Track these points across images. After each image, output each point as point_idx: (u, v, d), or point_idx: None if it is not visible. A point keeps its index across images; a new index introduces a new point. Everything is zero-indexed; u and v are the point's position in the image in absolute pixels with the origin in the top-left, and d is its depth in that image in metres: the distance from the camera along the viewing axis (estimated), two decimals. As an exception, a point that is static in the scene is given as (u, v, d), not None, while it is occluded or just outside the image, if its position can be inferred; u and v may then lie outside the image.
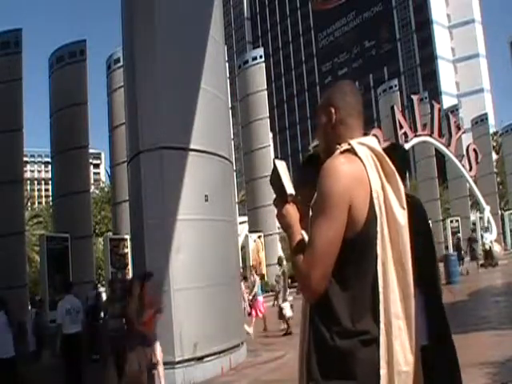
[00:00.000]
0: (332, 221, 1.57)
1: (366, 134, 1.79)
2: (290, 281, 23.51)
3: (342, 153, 1.68)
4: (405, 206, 1.68)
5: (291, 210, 1.72)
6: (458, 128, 31.29)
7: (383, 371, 1.56)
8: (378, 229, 1.62)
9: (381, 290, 1.60)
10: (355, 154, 1.66)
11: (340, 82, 1.91)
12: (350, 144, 1.69)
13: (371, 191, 1.62)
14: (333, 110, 1.77)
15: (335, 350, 1.56)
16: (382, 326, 1.59)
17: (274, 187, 1.77)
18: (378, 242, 1.62)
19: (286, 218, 1.72)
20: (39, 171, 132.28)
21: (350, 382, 1.55)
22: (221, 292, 8.51)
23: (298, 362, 1.75)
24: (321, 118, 1.83)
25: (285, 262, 13.86)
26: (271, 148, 26.11)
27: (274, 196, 1.78)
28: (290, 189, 1.71)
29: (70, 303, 8.04)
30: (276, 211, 1.76)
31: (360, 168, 1.63)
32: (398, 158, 2.25)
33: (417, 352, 1.64)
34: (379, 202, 1.63)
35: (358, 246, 1.60)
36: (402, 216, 1.66)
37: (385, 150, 1.76)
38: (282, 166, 1.75)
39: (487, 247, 23.97)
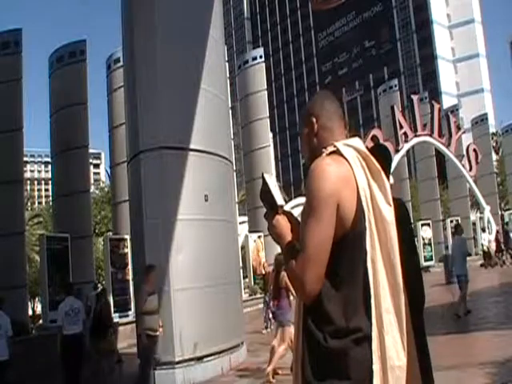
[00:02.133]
0: (321, 221, 1.59)
1: (352, 136, 1.82)
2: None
3: (328, 155, 1.71)
4: (391, 203, 1.71)
5: (282, 221, 1.76)
6: (458, 128, 31.29)
7: (376, 366, 1.58)
8: (367, 226, 1.64)
9: (371, 286, 1.62)
10: (341, 155, 1.70)
11: (317, 92, 2.00)
12: (335, 146, 1.73)
13: (358, 190, 1.65)
14: (314, 119, 1.83)
15: (329, 351, 1.57)
16: (373, 321, 1.60)
17: (264, 201, 1.81)
18: (367, 238, 1.64)
19: (277, 229, 1.75)
20: (39, 171, 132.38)
21: (344, 383, 1.56)
22: (221, 292, 8.52)
23: (293, 363, 1.76)
24: (303, 129, 1.88)
25: None
26: (271, 148, 26.06)
27: (265, 210, 1.82)
28: (280, 200, 1.77)
29: (69, 305, 8.07)
30: (267, 223, 1.79)
31: (346, 168, 1.67)
32: (382, 157, 2.30)
33: (410, 346, 1.66)
34: (366, 199, 1.66)
35: (348, 245, 1.63)
36: (388, 212, 1.69)
37: (370, 150, 1.80)
38: (270, 180, 1.80)
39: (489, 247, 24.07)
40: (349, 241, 1.63)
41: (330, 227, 1.60)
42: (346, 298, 1.61)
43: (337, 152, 1.71)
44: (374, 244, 1.64)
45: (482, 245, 24.96)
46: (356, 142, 1.77)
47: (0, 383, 7.53)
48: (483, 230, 29.55)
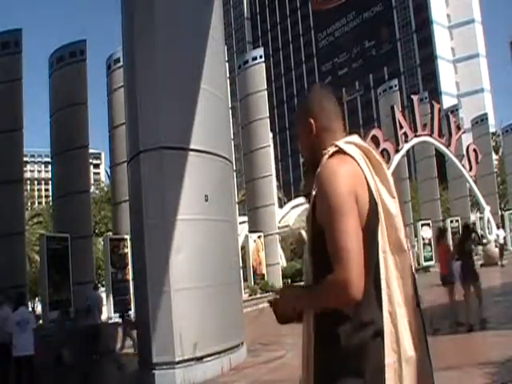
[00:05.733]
0: (350, 216, 1.56)
1: (351, 133, 1.81)
2: (289, 281, 23.60)
3: (330, 156, 1.69)
4: (395, 195, 1.70)
5: (282, 301, 1.76)
6: (458, 128, 31.25)
7: (389, 360, 1.56)
8: (379, 218, 1.64)
9: (383, 277, 1.61)
10: (344, 153, 1.68)
11: (313, 87, 1.92)
12: (336, 145, 1.71)
13: (368, 184, 1.64)
14: (312, 121, 1.78)
15: (342, 348, 1.56)
16: (385, 314, 1.59)
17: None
18: (379, 231, 1.63)
19: (286, 298, 1.76)
20: (39, 171, 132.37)
21: (358, 380, 1.54)
22: (221, 292, 8.52)
23: (302, 363, 1.73)
24: (301, 129, 1.83)
25: None
26: (271, 148, 26.08)
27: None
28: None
29: (20, 315, 8.24)
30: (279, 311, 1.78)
31: (354, 165, 1.66)
32: None
33: (420, 338, 1.65)
34: (376, 193, 1.65)
35: (364, 240, 1.60)
36: (393, 205, 1.68)
37: None
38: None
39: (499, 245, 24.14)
40: (365, 236, 1.60)
41: (357, 221, 1.58)
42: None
43: (340, 151, 1.70)
44: (383, 235, 1.64)
45: (496, 241, 24.94)
46: (355, 138, 1.76)
47: (29, 378, 7.76)
48: (498, 226, 29.51)
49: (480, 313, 8.97)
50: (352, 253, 1.52)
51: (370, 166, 1.69)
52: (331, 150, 1.70)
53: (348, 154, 1.68)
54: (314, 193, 1.66)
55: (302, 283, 1.76)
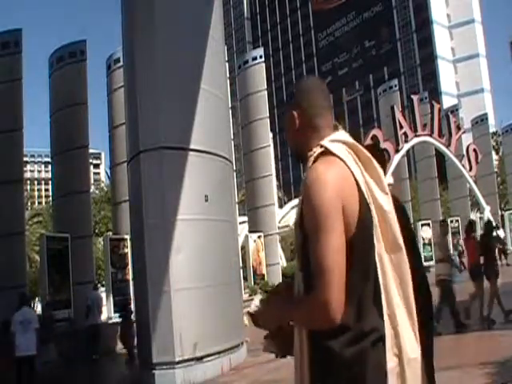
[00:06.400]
0: (333, 230, 1.47)
1: (336, 128, 1.69)
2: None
3: (316, 159, 1.60)
4: (387, 191, 1.62)
5: (270, 305, 1.70)
6: (458, 128, 31.26)
7: (391, 364, 1.51)
8: (373, 219, 1.56)
9: (381, 281, 1.55)
10: (331, 153, 1.59)
11: (303, 79, 1.81)
12: (322, 146, 1.61)
13: (358, 185, 1.56)
14: (296, 114, 1.68)
15: (342, 359, 1.48)
16: (386, 317, 1.54)
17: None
18: (374, 232, 1.56)
19: (271, 309, 1.68)
20: (39, 171, 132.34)
21: None
22: (221, 292, 8.52)
23: (294, 377, 1.66)
24: (286, 122, 1.74)
25: None
26: (271, 148, 26.07)
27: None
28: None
29: (22, 315, 8.29)
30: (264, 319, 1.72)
31: (341, 166, 1.56)
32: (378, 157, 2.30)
33: (421, 338, 1.61)
34: (367, 192, 1.56)
35: (357, 245, 1.53)
36: (386, 202, 1.60)
37: (367, 147, 1.73)
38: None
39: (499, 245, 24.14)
40: (357, 241, 1.52)
41: (342, 234, 1.49)
42: (358, 301, 1.52)
43: (326, 152, 1.59)
44: (378, 237, 1.57)
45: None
46: (341, 135, 1.66)
47: (30, 378, 7.78)
48: (497, 227, 29.53)
49: (489, 313, 8.98)
50: (333, 272, 1.44)
51: (360, 163, 1.60)
52: (317, 151, 1.61)
53: (335, 155, 1.58)
54: (301, 198, 1.57)
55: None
